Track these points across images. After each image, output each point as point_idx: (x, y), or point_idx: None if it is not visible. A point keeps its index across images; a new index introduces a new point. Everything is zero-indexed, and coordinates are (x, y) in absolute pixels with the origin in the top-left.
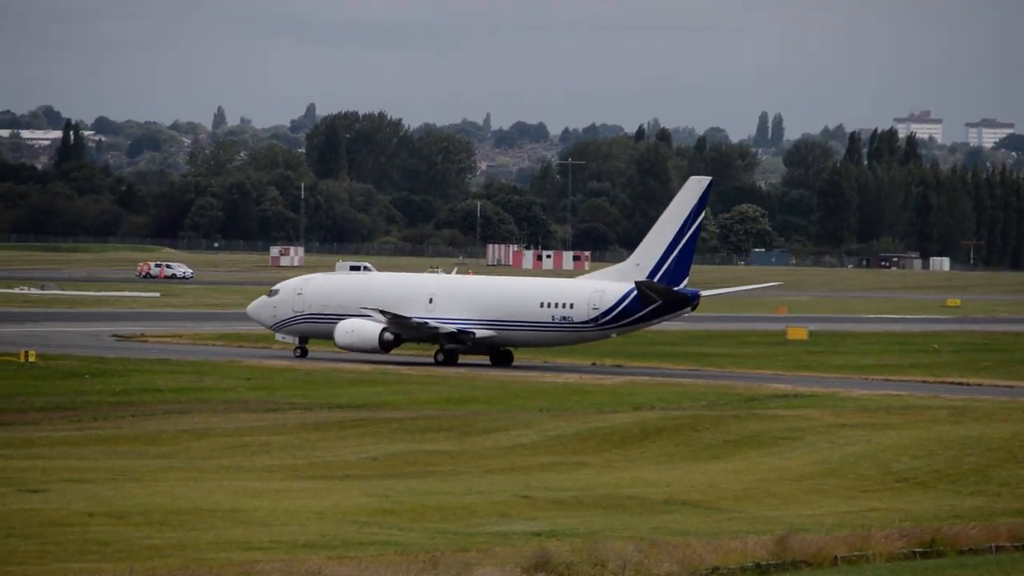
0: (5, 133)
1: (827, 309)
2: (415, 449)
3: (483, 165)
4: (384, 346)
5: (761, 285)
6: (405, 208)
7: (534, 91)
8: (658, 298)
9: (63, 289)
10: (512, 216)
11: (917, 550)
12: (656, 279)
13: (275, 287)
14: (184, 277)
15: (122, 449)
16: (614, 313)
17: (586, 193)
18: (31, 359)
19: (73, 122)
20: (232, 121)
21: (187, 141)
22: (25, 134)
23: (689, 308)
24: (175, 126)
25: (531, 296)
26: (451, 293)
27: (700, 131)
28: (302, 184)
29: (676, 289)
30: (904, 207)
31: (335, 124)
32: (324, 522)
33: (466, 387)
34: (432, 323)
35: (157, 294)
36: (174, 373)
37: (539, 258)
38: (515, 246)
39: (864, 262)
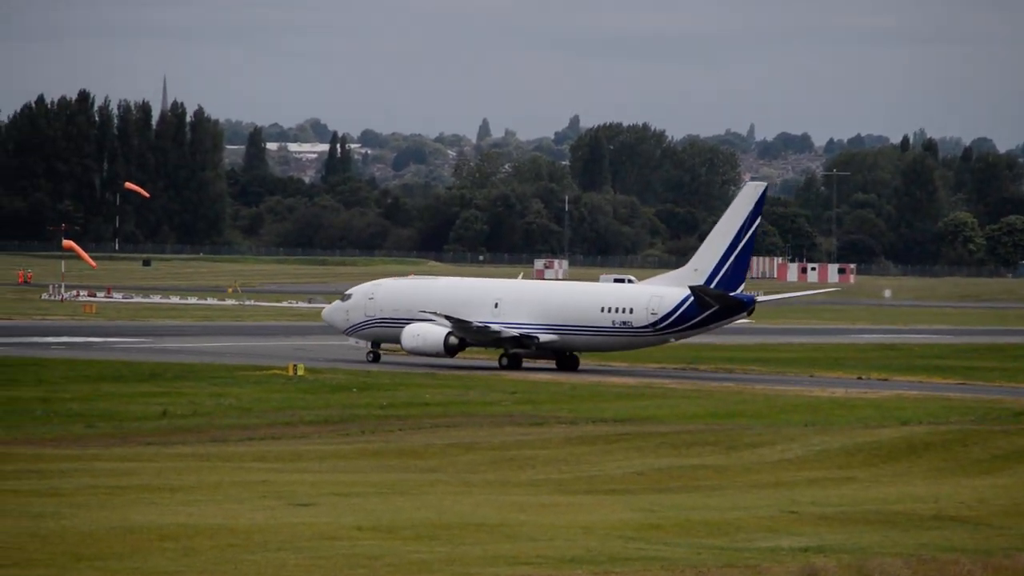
0: (273, 147)
1: None
2: (680, 463)
3: (747, 176)
4: (449, 350)
5: (820, 291)
6: (669, 220)
7: (798, 102)
8: (714, 303)
9: (330, 303)
10: (776, 228)
11: None
12: (713, 284)
13: (348, 292)
14: None
15: (390, 463)
16: (672, 318)
17: (851, 204)
18: (300, 373)
19: (340, 135)
20: (497, 133)
21: (452, 154)
22: (292, 147)
23: (745, 313)
24: (440, 139)
25: (592, 301)
26: (516, 298)
27: (967, 141)
28: (566, 197)
29: (732, 295)
30: None
31: (599, 136)
32: (590, 537)
33: (732, 401)
34: (494, 327)
35: None
36: (440, 387)
37: (804, 271)
38: (779, 259)
39: None
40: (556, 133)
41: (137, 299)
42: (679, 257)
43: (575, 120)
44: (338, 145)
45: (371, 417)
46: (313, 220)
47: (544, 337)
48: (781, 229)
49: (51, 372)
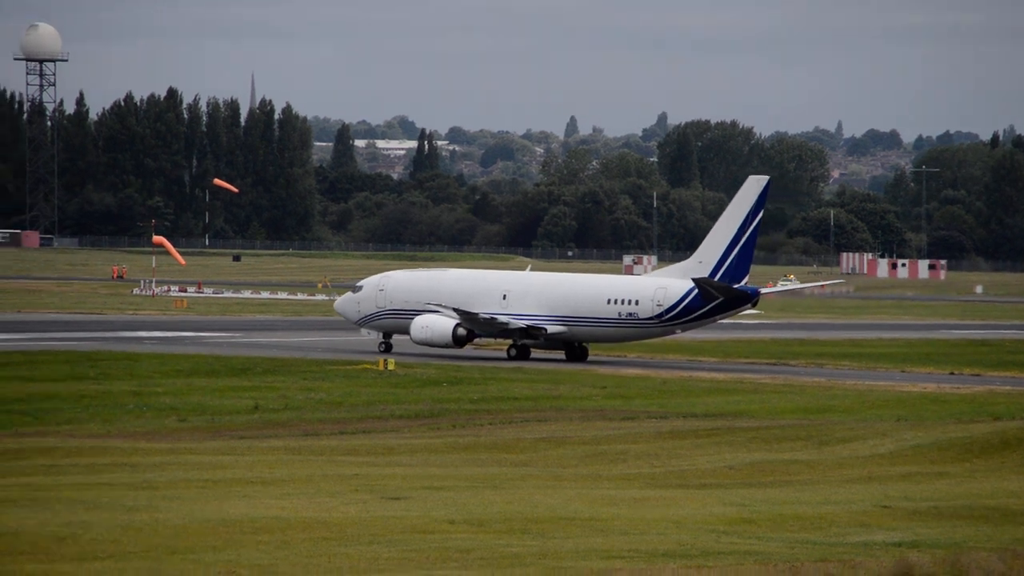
0: (362, 143)
1: None
2: (772, 458)
3: (836, 173)
4: (458, 341)
5: (826, 283)
6: None
7: (887, 98)
8: (718, 295)
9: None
10: (866, 224)
11: None
12: (717, 276)
13: (359, 283)
14: None
15: (480, 456)
16: (677, 309)
17: (941, 201)
18: (390, 368)
19: (428, 132)
20: (584, 130)
21: (540, 150)
22: (381, 144)
23: (749, 305)
24: (527, 135)
25: (599, 293)
26: (524, 290)
27: None
28: (654, 193)
29: (736, 286)
30: None
31: (687, 132)
32: (682, 531)
33: (823, 396)
34: (501, 319)
35: None
36: (530, 381)
37: (894, 267)
38: (869, 255)
39: None
40: (644, 130)
41: (227, 294)
42: (767, 252)
43: (663, 117)
44: (426, 142)
45: (462, 411)
46: (402, 216)
47: (552, 328)
48: (871, 225)
49: (143, 367)
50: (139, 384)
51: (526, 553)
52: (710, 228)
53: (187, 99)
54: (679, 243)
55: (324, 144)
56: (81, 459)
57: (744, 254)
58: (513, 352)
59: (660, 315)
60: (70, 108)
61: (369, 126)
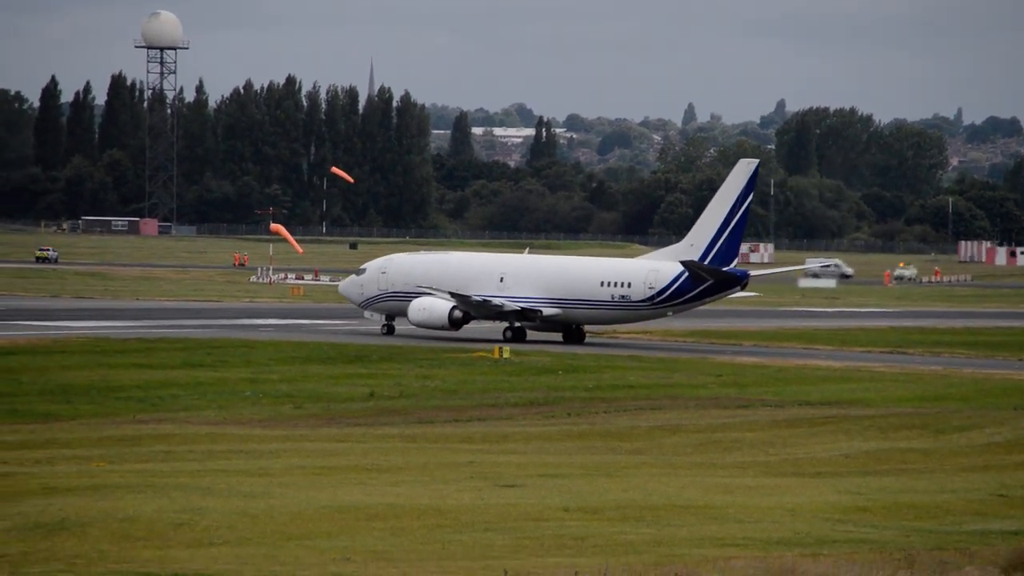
0: (479, 131)
1: None
2: (888, 447)
3: (955, 160)
4: (454, 323)
5: (819, 263)
6: (875, 204)
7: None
8: (707, 277)
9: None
10: (984, 212)
11: None
12: (708, 259)
13: (362, 267)
14: None
15: (595, 444)
16: (668, 292)
17: None
18: (506, 355)
19: (545, 120)
20: (702, 117)
21: (657, 138)
22: (498, 132)
23: (739, 287)
24: (645, 123)
25: (593, 275)
26: (520, 272)
27: None
28: (772, 180)
29: (725, 269)
30: None
31: (805, 120)
32: (797, 519)
33: (940, 384)
34: (495, 301)
35: None
36: (645, 369)
37: (1012, 254)
38: (988, 243)
39: None
40: (762, 117)
41: None
42: (885, 240)
43: (781, 104)
44: (543, 129)
45: (576, 399)
46: (518, 204)
47: (547, 311)
48: (990, 213)
49: (260, 354)
50: (255, 371)
51: (640, 541)
52: (827, 215)
53: (306, 87)
54: (796, 231)
55: (442, 132)
56: (197, 446)
57: (733, 237)
58: (509, 334)
59: (651, 298)
60: (190, 96)
61: (487, 113)
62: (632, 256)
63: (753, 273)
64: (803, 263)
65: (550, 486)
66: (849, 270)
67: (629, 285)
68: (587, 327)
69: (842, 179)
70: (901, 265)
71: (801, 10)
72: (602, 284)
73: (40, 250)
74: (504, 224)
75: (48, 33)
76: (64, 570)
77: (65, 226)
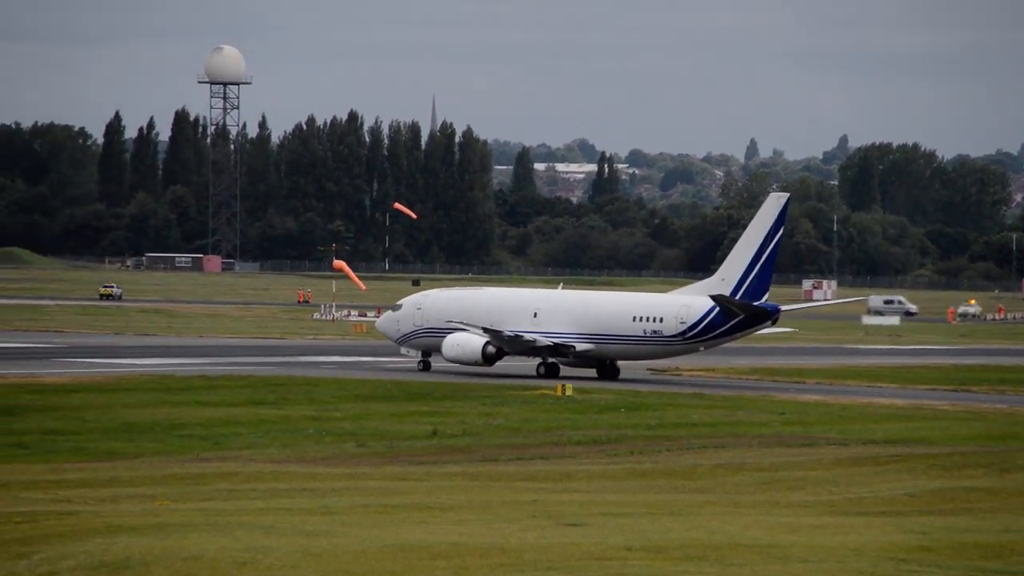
0: (541, 167)
1: None
2: (952, 485)
3: (1018, 196)
4: (487, 359)
5: (847, 300)
6: (939, 240)
7: None
8: (738, 311)
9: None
10: None
11: None
12: (739, 294)
13: (399, 302)
14: None
15: (658, 483)
16: (700, 327)
17: None
18: (568, 393)
19: (607, 155)
20: (764, 153)
21: (719, 173)
22: (560, 167)
23: (769, 322)
24: (707, 158)
25: (625, 311)
26: (554, 308)
27: None
28: (834, 217)
29: (756, 303)
30: None
31: (868, 156)
32: (861, 559)
33: (1005, 423)
34: (527, 336)
35: None
36: (708, 407)
37: None
38: None
39: None
40: (824, 153)
41: None
42: (948, 277)
43: (844, 140)
44: (606, 165)
45: (639, 437)
46: (580, 240)
47: (580, 346)
48: None
49: (323, 392)
50: (318, 409)
51: None
52: (890, 252)
53: (368, 122)
54: (859, 267)
55: (504, 167)
56: (261, 484)
57: (764, 271)
58: (542, 370)
59: (683, 332)
60: (253, 131)
61: (549, 149)
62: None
63: (784, 308)
64: (867, 300)
65: (613, 525)
66: (913, 307)
67: (661, 320)
68: (620, 362)
69: (905, 215)
70: (971, 302)
71: (864, 46)
72: (634, 319)
73: (104, 287)
74: (566, 260)
75: (112, 69)
76: None
77: (129, 263)
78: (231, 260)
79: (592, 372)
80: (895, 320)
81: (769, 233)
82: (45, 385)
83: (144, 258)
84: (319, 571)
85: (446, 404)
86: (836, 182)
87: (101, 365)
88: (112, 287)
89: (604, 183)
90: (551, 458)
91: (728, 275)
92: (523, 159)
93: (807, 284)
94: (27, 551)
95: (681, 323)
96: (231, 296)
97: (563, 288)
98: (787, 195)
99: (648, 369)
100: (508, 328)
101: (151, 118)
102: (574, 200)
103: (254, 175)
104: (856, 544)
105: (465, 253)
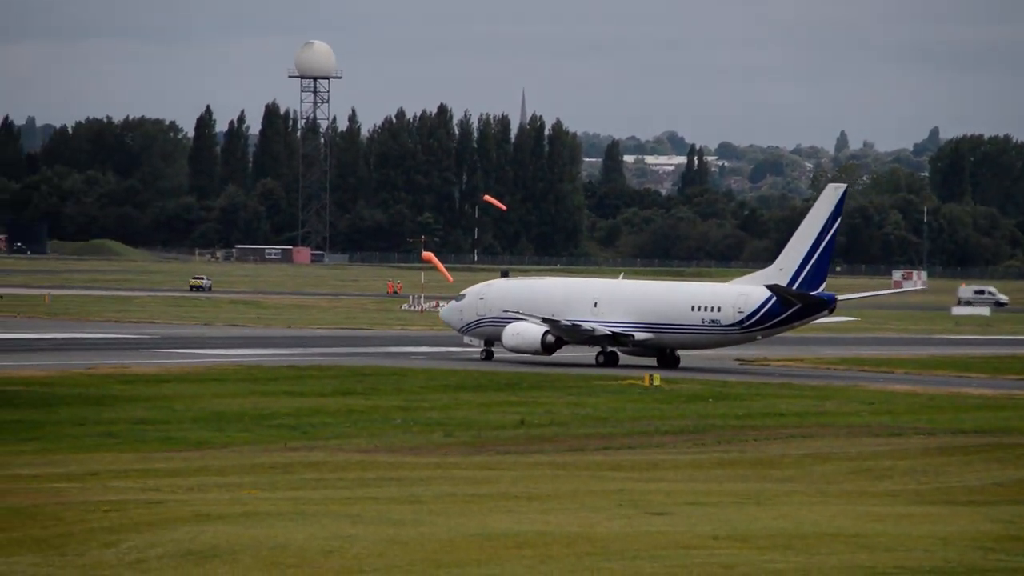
0: (630, 159)
1: None
2: None
3: None
4: (547, 348)
5: (901, 290)
6: None
7: None
8: (795, 301)
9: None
10: None
11: None
12: (796, 284)
13: (462, 292)
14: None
15: (745, 472)
16: (757, 316)
17: None
18: (655, 383)
19: (697, 147)
20: (855, 145)
21: (809, 165)
22: (649, 160)
23: (827, 311)
24: (797, 150)
25: (684, 300)
26: (613, 298)
27: None
28: (925, 208)
29: (813, 293)
30: None
31: (959, 147)
32: (949, 548)
33: None
34: (585, 326)
35: None
36: (796, 397)
37: None
38: None
39: None
40: (915, 144)
41: None
42: None
43: (935, 131)
44: (695, 157)
45: (727, 427)
46: (670, 231)
47: (639, 335)
48: None
49: (411, 382)
50: (406, 399)
51: (789, 569)
52: (981, 243)
53: (457, 115)
54: (949, 258)
55: (593, 160)
56: (348, 473)
57: (822, 261)
58: (601, 359)
59: (741, 322)
60: (343, 125)
61: (638, 141)
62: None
63: (841, 297)
64: (956, 291)
65: (700, 514)
66: (1003, 297)
67: (719, 310)
68: (681, 352)
69: (996, 206)
70: None
71: (955, 36)
72: (693, 309)
73: (194, 279)
74: (655, 252)
75: (202, 63)
76: None
77: (219, 255)
78: (320, 252)
79: (652, 360)
80: (985, 310)
81: (827, 224)
82: (135, 375)
83: (234, 250)
84: (405, 560)
85: (534, 394)
86: (927, 173)
87: (191, 355)
88: (202, 279)
89: (693, 175)
90: (638, 447)
91: (786, 265)
92: (612, 151)
93: (897, 275)
94: (115, 539)
95: (739, 312)
96: (320, 287)
97: (623, 278)
98: (844, 186)
99: (736, 360)
100: (569, 318)
101: (242, 112)
102: (663, 192)
103: (344, 168)
104: (943, 533)
105: (554, 245)
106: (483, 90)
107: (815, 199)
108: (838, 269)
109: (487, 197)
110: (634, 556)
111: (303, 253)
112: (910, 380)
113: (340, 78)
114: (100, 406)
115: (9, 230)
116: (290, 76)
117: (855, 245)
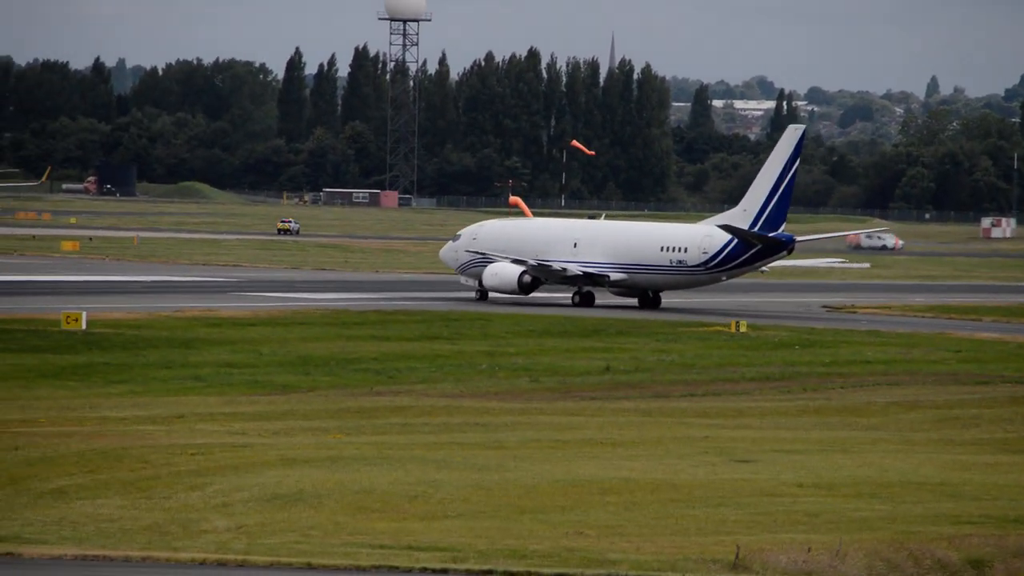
0: (719, 104)
1: None
2: None
3: None
4: (523, 288)
5: (861, 232)
6: None
7: None
8: (757, 242)
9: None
10: None
11: None
12: (759, 224)
13: (458, 232)
14: (887, 248)
15: (830, 420)
16: (721, 257)
17: None
18: (742, 329)
19: (786, 93)
20: (945, 90)
21: (899, 111)
22: (738, 104)
23: (785, 252)
24: (887, 96)
25: (654, 240)
26: (591, 238)
27: None
28: (1015, 154)
29: (772, 235)
30: None
31: None
32: None
33: None
34: (555, 265)
35: (867, 265)
36: (883, 345)
37: None
38: None
39: None
40: (1006, 90)
41: None
42: None
43: None
44: (784, 102)
45: (813, 375)
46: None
47: (614, 275)
48: None
49: (496, 327)
50: (492, 344)
51: (874, 517)
52: None
53: (546, 59)
54: None
55: (682, 104)
56: (434, 418)
57: (782, 202)
58: (576, 299)
59: (706, 263)
60: (432, 68)
61: (727, 86)
62: (869, 229)
63: (799, 238)
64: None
65: (784, 462)
66: None
67: (685, 250)
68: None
69: None
70: None
71: None
72: (662, 249)
73: (282, 222)
74: (743, 197)
75: (293, 5)
76: (300, 541)
77: (307, 198)
78: (408, 196)
79: (634, 301)
80: None
81: (786, 165)
82: (222, 318)
83: (322, 193)
84: (490, 505)
85: (619, 340)
86: (1017, 119)
87: (278, 299)
88: (290, 222)
89: (782, 120)
90: (723, 394)
91: (749, 206)
92: (701, 96)
93: (986, 222)
94: (201, 482)
95: (703, 253)
96: (407, 232)
97: (604, 219)
98: (803, 127)
99: (823, 307)
100: (550, 259)
101: (332, 55)
102: (752, 137)
103: (432, 111)
104: None
105: (642, 190)
106: (573, 34)
107: (903, 144)
108: (927, 216)
109: (575, 142)
110: (718, 503)
111: (390, 197)
112: (998, 328)
113: (429, 20)
114: (187, 349)
115: (99, 172)
116: (380, 18)
117: (945, 192)
